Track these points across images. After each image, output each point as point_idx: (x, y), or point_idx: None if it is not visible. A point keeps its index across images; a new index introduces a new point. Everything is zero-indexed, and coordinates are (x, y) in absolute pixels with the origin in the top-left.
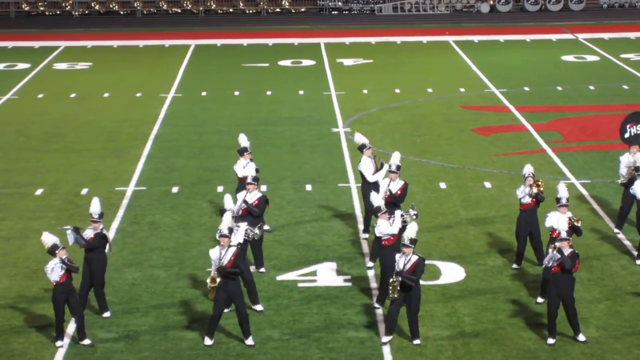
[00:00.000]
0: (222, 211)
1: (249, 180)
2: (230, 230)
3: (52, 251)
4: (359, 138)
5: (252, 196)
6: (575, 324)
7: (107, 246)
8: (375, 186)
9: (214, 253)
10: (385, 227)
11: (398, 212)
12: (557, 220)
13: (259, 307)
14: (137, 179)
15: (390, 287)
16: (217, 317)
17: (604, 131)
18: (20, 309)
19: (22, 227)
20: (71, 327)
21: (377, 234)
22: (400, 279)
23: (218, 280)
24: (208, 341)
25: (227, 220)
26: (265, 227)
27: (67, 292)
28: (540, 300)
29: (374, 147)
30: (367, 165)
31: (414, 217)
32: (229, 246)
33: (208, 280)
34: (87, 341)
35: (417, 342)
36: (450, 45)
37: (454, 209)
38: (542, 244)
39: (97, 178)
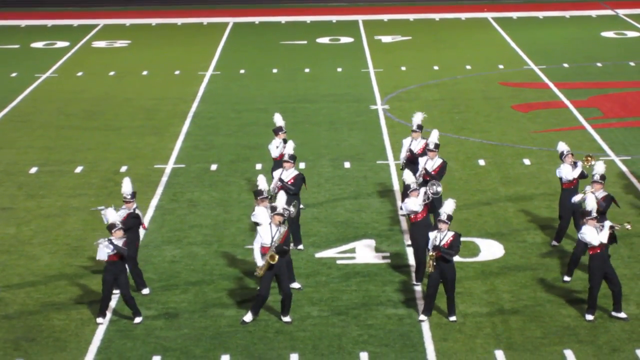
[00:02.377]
0: (255, 192)
1: (286, 158)
2: (286, 210)
3: (109, 229)
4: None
5: (288, 174)
6: (618, 300)
7: (141, 225)
8: (414, 165)
9: (265, 230)
10: (410, 204)
11: (422, 189)
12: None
13: (296, 285)
14: (175, 156)
15: (429, 261)
16: (264, 297)
17: None
18: (61, 285)
19: (62, 205)
20: (113, 305)
21: (404, 212)
22: (436, 253)
23: (277, 258)
24: (249, 317)
25: (282, 199)
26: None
27: (116, 272)
28: (567, 278)
29: (410, 124)
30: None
31: (437, 194)
32: (281, 224)
33: (267, 258)
34: (138, 319)
35: (453, 318)
36: (489, 22)
37: (492, 186)
38: None
39: (136, 156)
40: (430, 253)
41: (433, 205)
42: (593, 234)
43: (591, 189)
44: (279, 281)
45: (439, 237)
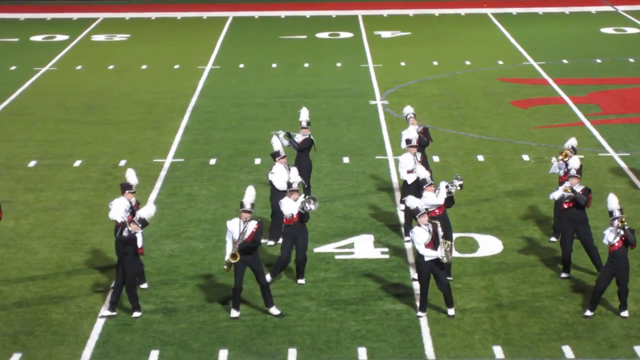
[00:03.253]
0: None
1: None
2: (252, 206)
3: (122, 189)
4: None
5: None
6: (624, 301)
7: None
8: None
9: (233, 225)
10: (431, 199)
11: (443, 183)
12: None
13: (301, 281)
14: (174, 150)
15: (446, 253)
16: (239, 289)
17: None
18: (59, 279)
19: (60, 198)
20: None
21: (423, 208)
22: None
23: (239, 256)
24: (234, 313)
25: (250, 195)
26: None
27: (123, 264)
28: (564, 275)
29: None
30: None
31: (459, 187)
32: (250, 220)
33: (229, 257)
34: (136, 314)
35: (451, 312)
36: (489, 18)
37: (491, 181)
38: None
39: (135, 150)
40: (447, 242)
41: (452, 199)
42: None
43: (569, 184)
44: (254, 273)
45: (426, 229)
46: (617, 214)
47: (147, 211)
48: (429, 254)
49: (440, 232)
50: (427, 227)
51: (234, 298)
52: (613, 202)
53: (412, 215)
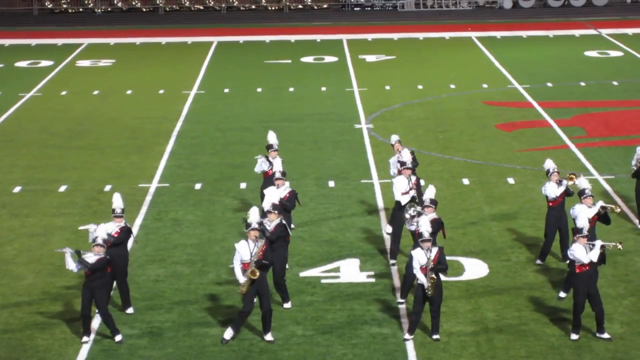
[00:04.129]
0: (247, 224)
1: (277, 175)
2: (260, 224)
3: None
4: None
5: (282, 191)
6: (600, 321)
7: (132, 239)
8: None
9: (243, 247)
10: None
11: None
12: (579, 214)
13: (287, 305)
14: (160, 175)
15: (430, 284)
16: (248, 313)
17: (627, 127)
18: (45, 305)
19: (45, 224)
20: (96, 323)
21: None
22: (434, 274)
23: (258, 273)
24: (228, 335)
25: (255, 214)
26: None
27: (93, 287)
28: (562, 295)
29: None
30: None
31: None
32: (258, 239)
33: (248, 273)
34: (118, 337)
35: (436, 337)
36: (473, 41)
37: (477, 205)
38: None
39: (120, 175)
40: (431, 275)
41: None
42: (582, 252)
43: (595, 203)
44: (260, 297)
45: (426, 254)
46: (585, 232)
47: (103, 230)
48: (420, 277)
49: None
50: (428, 254)
51: (239, 321)
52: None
53: (416, 237)
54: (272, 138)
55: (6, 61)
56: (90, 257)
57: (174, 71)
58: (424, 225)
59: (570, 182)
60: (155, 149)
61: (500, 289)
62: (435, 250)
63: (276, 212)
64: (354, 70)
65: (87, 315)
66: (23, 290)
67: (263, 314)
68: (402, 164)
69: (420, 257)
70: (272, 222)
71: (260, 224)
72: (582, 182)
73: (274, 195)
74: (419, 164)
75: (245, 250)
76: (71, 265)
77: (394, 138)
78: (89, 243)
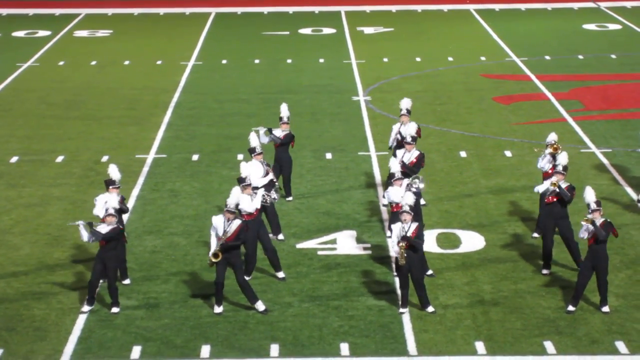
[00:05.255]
0: (239, 179)
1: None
2: (237, 206)
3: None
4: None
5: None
6: (604, 296)
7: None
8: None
9: (218, 222)
10: (392, 193)
11: (405, 181)
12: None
13: (280, 274)
14: (157, 146)
15: (399, 253)
16: (220, 284)
17: (625, 100)
18: (41, 275)
19: (42, 194)
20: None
21: (386, 201)
22: (405, 244)
23: (220, 256)
24: (218, 309)
25: (234, 196)
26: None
27: (105, 259)
28: (545, 271)
29: (395, 115)
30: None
31: (418, 190)
32: (234, 219)
33: (210, 255)
34: (115, 309)
35: (430, 309)
36: (471, 14)
37: (474, 177)
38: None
39: (118, 145)
40: (401, 244)
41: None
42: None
43: (555, 179)
44: (234, 271)
45: (405, 227)
46: (593, 206)
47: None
48: (394, 245)
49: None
50: (406, 225)
51: (216, 293)
52: (590, 195)
53: (388, 179)
54: (284, 111)
55: (3, 31)
56: (103, 227)
57: (171, 42)
58: (395, 166)
59: (553, 151)
60: (152, 120)
61: (496, 261)
62: (414, 225)
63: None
64: (352, 42)
65: (95, 285)
66: (20, 260)
67: (241, 288)
68: (403, 138)
69: (398, 230)
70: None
71: (237, 206)
72: (561, 158)
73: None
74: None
75: (220, 227)
76: (85, 236)
77: (404, 104)
78: (86, 214)
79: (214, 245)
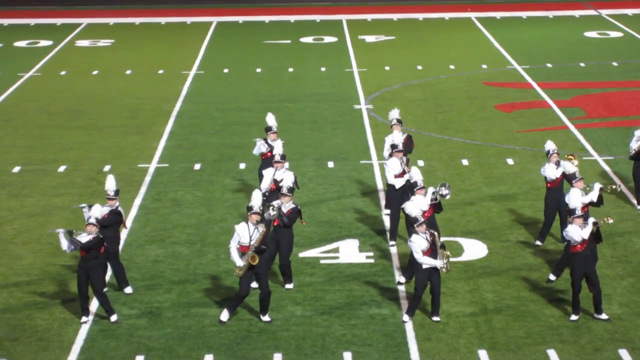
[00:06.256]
0: (248, 208)
1: (277, 158)
2: (261, 208)
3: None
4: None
5: (280, 174)
6: (598, 303)
7: (122, 224)
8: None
9: (242, 229)
10: (420, 202)
11: (431, 189)
12: (571, 198)
13: (288, 286)
14: (159, 155)
15: (445, 262)
16: (244, 297)
17: (627, 107)
18: (44, 285)
19: (45, 204)
20: (95, 304)
21: (408, 212)
22: (446, 250)
23: (258, 259)
24: (225, 317)
25: (257, 198)
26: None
27: (87, 268)
28: (552, 277)
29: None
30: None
31: (445, 196)
32: (258, 223)
33: (248, 259)
34: (114, 317)
35: (436, 318)
36: (473, 22)
37: (476, 185)
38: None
39: (120, 155)
40: (446, 253)
41: (440, 205)
42: (577, 232)
43: (580, 186)
44: (258, 280)
45: (424, 238)
46: (579, 212)
47: (98, 210)
48: (427, 262)
49: (439, 242)
50: (425, 235)
51: (234, 303)
52: (576, 199)
53: (410, 223)
54: (271, 120)
55: (5, 41)
56: (83, 237)
57: (173, 51)
58: (416, 175)
59: (571, 163)
60: (154, 129)
61: (499, 269)
62: (429, 233)
63: (290, 194)
64: (354, 50)
65: (85, 295)
66: (22, 270)
67: (262, 296)
68: (393, 146)
69: (420, 242)
70: (286, 205)
71: (270, 207)
72: (568, 167)
73: (270, 176)
74: (415, 147)
75: (245, 233)
76: (64, 245)
77: (394, 115)
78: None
79: (235, 255)
